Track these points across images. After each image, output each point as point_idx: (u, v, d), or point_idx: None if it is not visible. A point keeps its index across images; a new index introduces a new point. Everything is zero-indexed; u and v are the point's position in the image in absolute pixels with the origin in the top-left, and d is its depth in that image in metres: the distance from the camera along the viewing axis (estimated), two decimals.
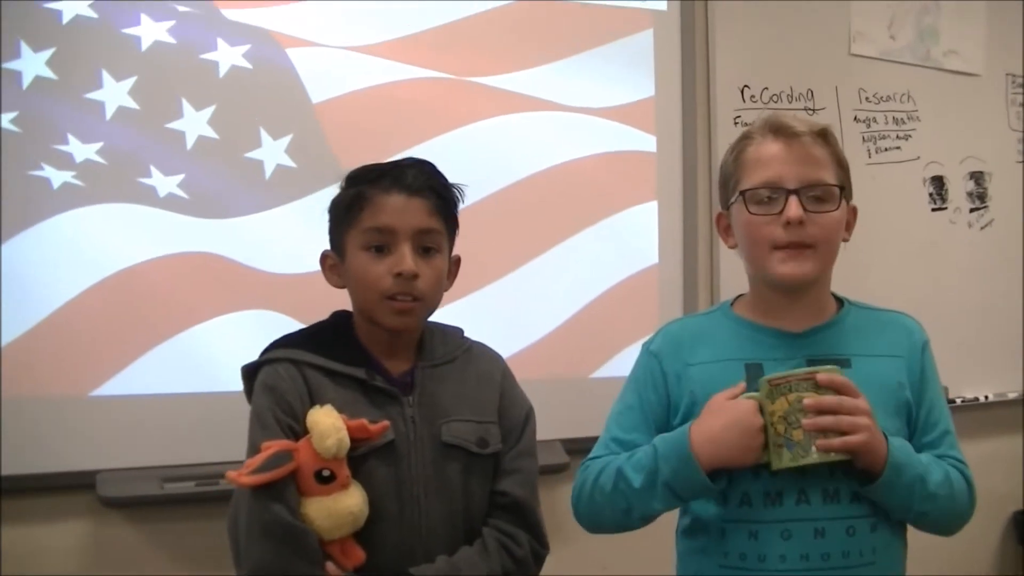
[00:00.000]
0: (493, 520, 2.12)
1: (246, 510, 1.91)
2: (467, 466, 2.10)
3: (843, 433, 1.86)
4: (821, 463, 1.89)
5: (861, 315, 2.14)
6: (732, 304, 2.19)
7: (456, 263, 2.20)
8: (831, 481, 1.94)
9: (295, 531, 1.89)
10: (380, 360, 2.11)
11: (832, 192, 2.01)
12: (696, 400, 2.02)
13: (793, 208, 1.96)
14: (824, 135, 2.04)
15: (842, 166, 2.06)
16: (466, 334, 2.27)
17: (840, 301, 2.15)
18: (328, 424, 1.91)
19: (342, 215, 2.10)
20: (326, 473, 1.92)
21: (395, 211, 2.03)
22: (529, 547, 2.12)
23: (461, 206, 2.16)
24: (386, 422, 1.99)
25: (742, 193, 2.02)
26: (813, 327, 2.07)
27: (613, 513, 2.04)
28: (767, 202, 1.99)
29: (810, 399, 1.86)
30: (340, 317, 2.19)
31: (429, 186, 2.07)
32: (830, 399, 1.86)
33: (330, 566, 1.93)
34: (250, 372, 2.10)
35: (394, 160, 2.12)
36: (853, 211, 2.09)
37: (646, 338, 2.24)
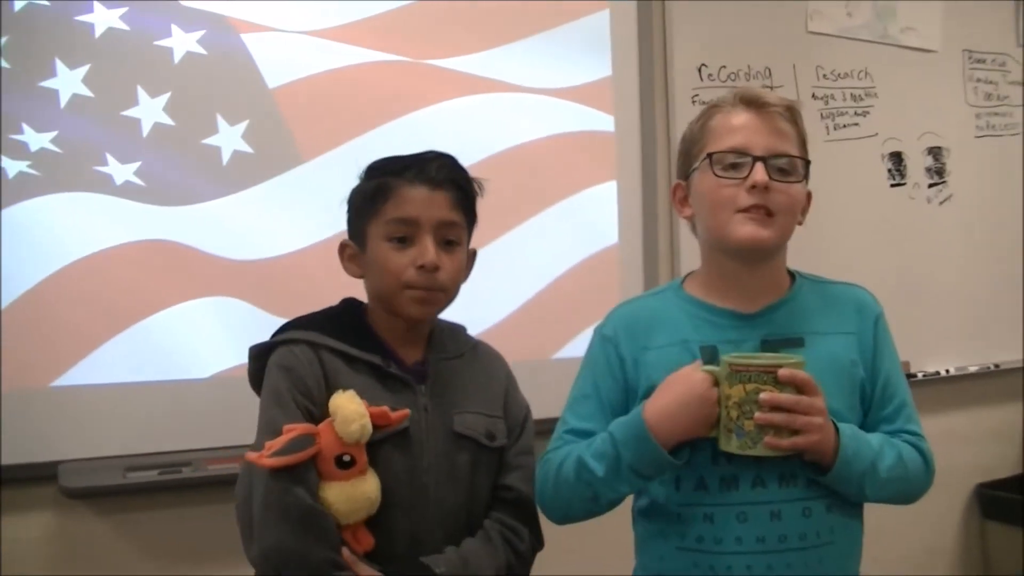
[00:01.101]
0: (496, 514, 2.14)
1: (262, 492, 1.92)
2: (475, 458, 2.12)
3: (794, 431, 1.86)
4: (769, 456, 1.89)
5: (814, 289, 2.14)
6: (683, 282, 2.19)
7: (472, 256, 2.22)
8: (787, 465, 1.94)
9: (315, 514, 1.91)
10: (394, 348, 2.12)
11: (796, 165, 2.03)
12: (653, 385, 2.01)
13: (759, 173, 1.96)
14: (792, 111, 2.06)
15: (804, 145, 2.08)
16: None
17: (792, 275, 2.15)
18: (352, 409, 1.92)
19: (364, 205, 2.11)
20: (347, 458, 1.93)
21: (419, 203, 2.05)
22: (529, 542, 2.15)
23: (480, 199, 2.18)
24: (406, 410, 2.00)
25: (709, 156, 2.02)
26: (766, 306, 2.07)
27: (581, 502, 2.04)
28: (733, 167, 2.00)
29: (767, 394, 1.84)
30: (351, 304, 2.20)
31: (452, 179, 2.09)
32: (787, 397, 1.85)
33: (345, 551, 1.94)
34: (260, 353, 2.10)
35: (416, 153, 2.13)
36: (808, 196, 2.10)
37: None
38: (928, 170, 4.38)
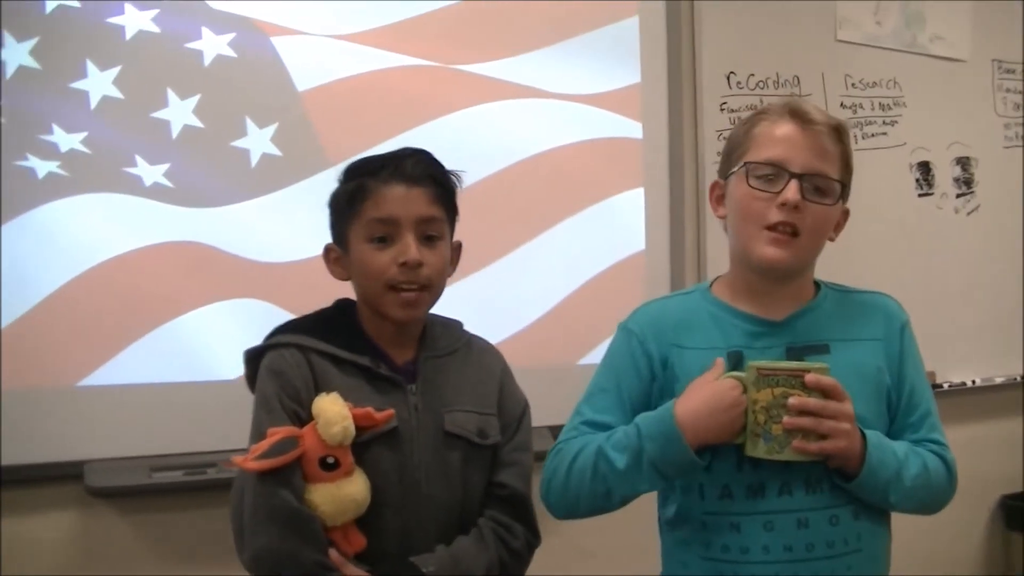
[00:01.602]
0: (490, 511, 2.13)
1: (251, 495, 1.93)
2: (467, 456, 2.11)
3: (822, 436, 1.86)
4: (794, 461, 1.88)
5: (839, 298, 2.12)
6: (711, 285, 2.17)
7: (458, 249, 2.21)
8: (813, 471, 1.93)
9: (302, 516, 1.91)
10: (384, 348, 2.12)
11: (833, 186, 2.00)
12: (678, 382, 2.01)
13: (791, 191, 1.94)
14: (839, 131, 2.03)
15: (847, 166, 2.05)
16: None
17: (817, 284, 2.14)
18: (334, 412, 1.92)
19: (343, 208, 2.10)
20: (331, 460, 1.93)
21: (397, 201, 2.04)
22: (524, 539, 2.13)
23: (459, 192, 2.17)
24: (391, 411, 2.00)
25: (746, 164, 2.00)
26: (792, 314, 2.06)
27: (592, 497, 2.01)
28: (768, 180, 1.98)
29: (795, 398, 1.85)
30: (344, 305, 2.20)
31: (428, 175, 2.08)
32: (815, 402, 1.85)
33: (333, 552, 1.94)
34: (253, 357, 2.10)
35: (391, 151, 2.12)
36: (845, 213, 2.08)
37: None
38: (956, 180, 4.36)
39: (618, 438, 1.98)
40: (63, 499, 2.77)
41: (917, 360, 2.13)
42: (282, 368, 2.03)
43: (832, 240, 2.07)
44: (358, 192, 2.07)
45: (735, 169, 2.05)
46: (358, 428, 1.95)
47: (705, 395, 1.91)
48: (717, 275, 2.21)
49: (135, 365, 2.79)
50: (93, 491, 2.75)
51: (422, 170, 2.08)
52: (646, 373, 2.08)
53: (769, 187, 1.97)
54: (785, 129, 2.00)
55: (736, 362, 1.99)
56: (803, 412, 1.85)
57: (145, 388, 2.80)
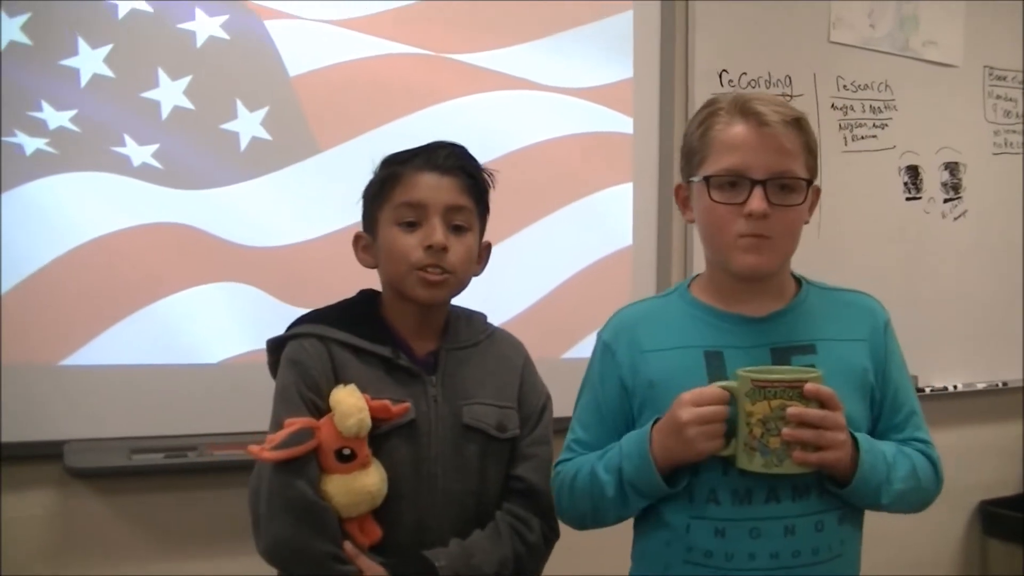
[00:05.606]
0: (507, 504, 2.15)
1: (267, 485, 1.95)
2: (485, 449, 2.13)
3: (819, 447, 1.83)
4: (793, 474, 1.86)
5: (821, 296, 2.10)
6: (689, 286, 2.14)
7: (487, 248, 2.24)
8: (801, 478, 1.90)
9: (316, 508, 1.93)
10: (406, 339, 2.14)
11: (799, 184, 1.95)
12: (655, 387, 1.99)
13: (756, 201, 1.90)
14: (797, 123, 1.96)
15: (812, 153, 1.99)
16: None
17: (798, 281, 2.11)
18: (350, 404, 1.94)
19: (376, 194, 2.15)
20: (347, 452, 1.95)
21: (427, 188, 2.09)
22: (541, 532, 2.16)
23: (492, 191, 2.21)
24: (407, 404, 2.03)
25: (706, 179, 1.96)
26: (775, 311, 2.03)
27: (596, 515, 2.03)
28: (730, 189, 1.93)
29: (795, 409, 1.80)
30: (367, 295, 2.22)
31: (460, 166, 2.13)
32: (816, 413, 1.81)
33: (348, 545, 1.95)
34: (275, 346, 2.13)
35: (426, 143, 2.16)
36: (816, 192, 2.03)
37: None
38: (944, 185, 4.37)
39: (608, 457, 1.98)
40: (42, 478, 2.75)
41: (900, 359, 2.11)
42: (301, 358, 2.05)
43: (807, 223, 2.02)
44: (389, 179, 2.12)
45: (696, 178, 2.00)
46: (375, 420, 1.97)
47: (681, 416, 1.85)
48: (697, 274, 2.18)
49: (118, 346, 2.77)
50: (73, 471, 2.74)
51: (454, 161, 2.13)
52: (618, 384, 2.06)
53: (733, 197, 1.93)
54: (740, 132, 1.94)
55: (715, 362, 1.97)
56: (802, 423, 1.81)
57: (128, 369, 2.78)
